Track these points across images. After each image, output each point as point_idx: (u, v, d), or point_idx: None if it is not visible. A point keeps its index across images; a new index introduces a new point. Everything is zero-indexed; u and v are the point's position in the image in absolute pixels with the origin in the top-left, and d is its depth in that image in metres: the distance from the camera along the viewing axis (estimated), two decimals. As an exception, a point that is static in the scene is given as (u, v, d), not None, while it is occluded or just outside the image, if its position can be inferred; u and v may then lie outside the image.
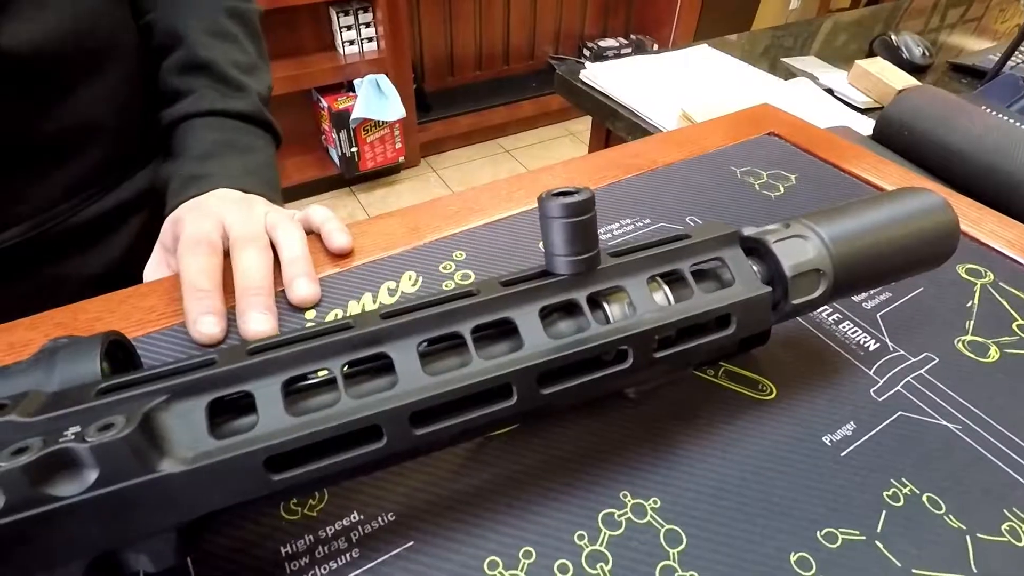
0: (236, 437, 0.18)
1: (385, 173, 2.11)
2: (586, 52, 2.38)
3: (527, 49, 2.38)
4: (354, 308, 0.33)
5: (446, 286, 0.34)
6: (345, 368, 0.20)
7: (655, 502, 0.25)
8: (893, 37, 0.89)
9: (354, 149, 1.91)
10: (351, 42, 1.81)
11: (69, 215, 0.40)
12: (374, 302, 0.33)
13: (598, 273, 0.22)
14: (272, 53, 1.67)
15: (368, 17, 1.81)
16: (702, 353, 0.23)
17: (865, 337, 0.32)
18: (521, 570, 0.22)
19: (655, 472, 0.26)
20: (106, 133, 0.40)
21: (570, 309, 0.22)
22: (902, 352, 0.31)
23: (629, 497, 0.25)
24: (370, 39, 1.84)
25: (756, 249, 0.25)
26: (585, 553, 0.23)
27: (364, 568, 0.22)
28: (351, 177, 2.00)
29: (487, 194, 0.42)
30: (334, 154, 1.95)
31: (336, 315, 0.33)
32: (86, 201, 0.41)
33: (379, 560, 0.23)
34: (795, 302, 0.24)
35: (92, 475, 0.16)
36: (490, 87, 2.30)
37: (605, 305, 0.22)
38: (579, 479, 0.25)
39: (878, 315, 0.33)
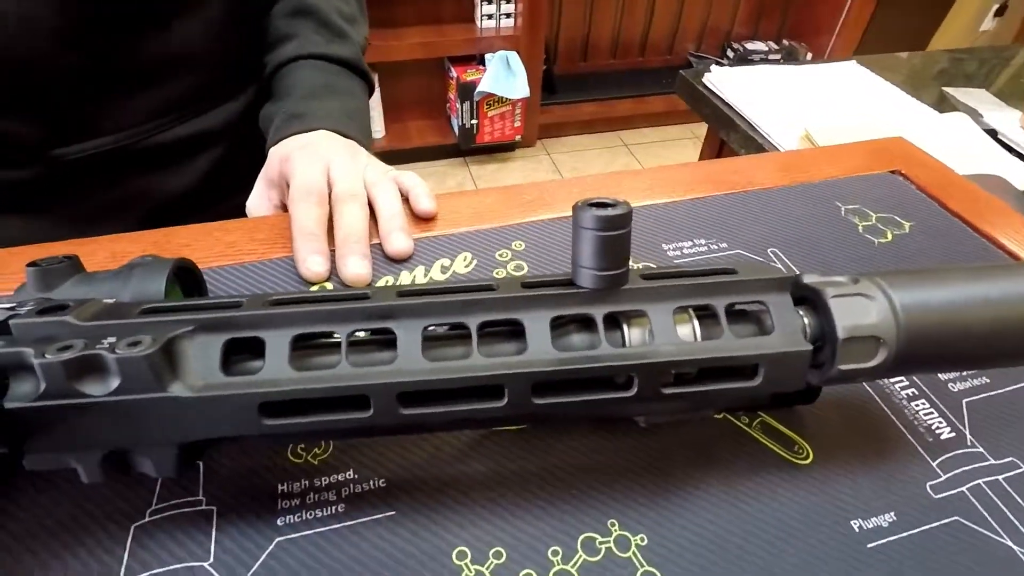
0: (241, 377, 0.19)
1: (500, 149, 2.14)
2: (730, 53, 2.25)
3: (667, 43, 2.29)
4: (405, 278, 0.34)
5: (497, 273, 0.35)
6: (352, 335, 0.20)
7: (642, 539, 0.24)
8: (1090, 83, 0.76)
9: (474, 121, 1.95)
10: (489, 16, 1.84)
11: (152, 135, 0.44)
12: (425, 276, 0.34)
13: (622, 293, 0.21)
14: (411, 19, 1.73)
15: (511, -8, 1.82)
16: (722, 399, 0.21)
17: (940, 422, 0.28)
18: (487, 568, 0.23)
19: (651, 508, 0.24)
20: (195, 65, 0.44)
21: (589, 323, 0.22)
22: (981, 450, 0.27)
23: (616, 527, 0.24)
24: (508, 15, 1.85)
25: (812, 300, 0.22)
26: (554, 570, 0.23)
27: (345, 524, 0.24)
28: (467, 148, 2.04)
29: (563, 189, 0.41)
30: (455, 123, 2.00)
31: (387, 282, 0.34)
32: (169, 124, 0.45)
33: (360, 520, 0.24)
34: (843, 367, 0.21)
35: (115, 382, 0.18)
36: (621, 77, 2.25)
37: (625, 327, 0.21)
38: (570, 495, 0.25)
39: (964, 401, 0.29)
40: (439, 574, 0.22)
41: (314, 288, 0.33)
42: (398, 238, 0.35)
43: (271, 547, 0.23)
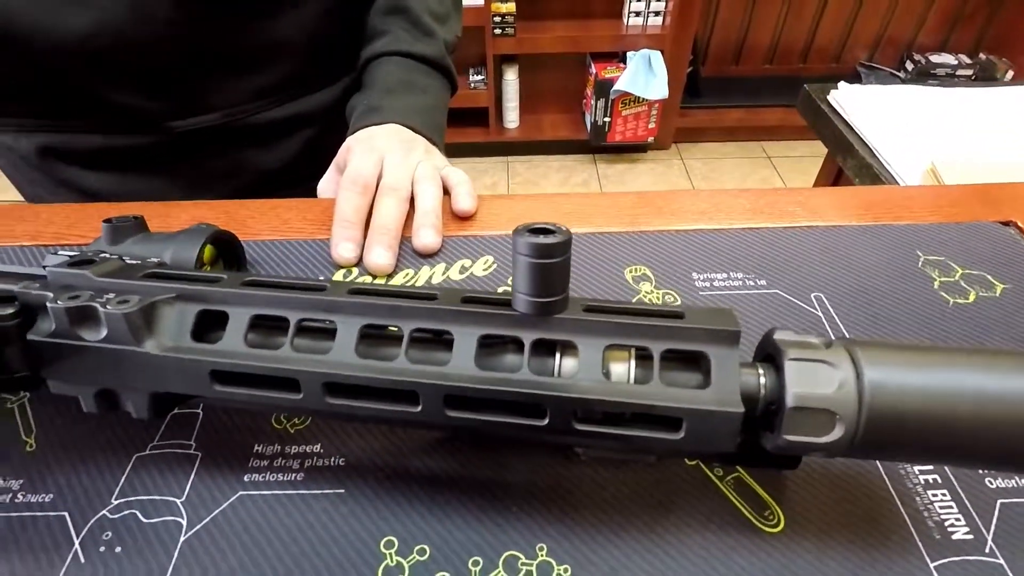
0: (201, 345, 0.22)
1: (631, 149, 2.10)
2: (909, 65, 2.00)
3: (835, 49, 2.09)
4: (425, 274, 0.36)
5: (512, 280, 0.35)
6: (302, 322, 0.22)
7: (566, 569, 0.23)
8: None
9: (607, 119, 1.92)
10: (637, 13, 1.80)
11: (252, 114, 0.50)
12: (443, 274, 0.35)
13: (555, 321, 0.21)
14: (559, 13, 1.75)
15: (662, -10, 1.76)
16: (655, 446, 0.20)
17: (958, 520, 0.24)
18: (408, 561, 0.23)
19: (585, 542, 0.24)
20: (294, 54, 0.49)
21: (522, 346, 0.21)
22: (1001, 562, 0.23)
23: (544, 552, 0.24)
24: (657, 13, 1.80)
25: (774, 359, 0.20)
26: (469, 579, 0.23)
27: (300, 491, 0.26)
28: (597, 145, 2.03)
29: (606, 202, 0.40)
30: (588, 120, 1.99)
31: (407, 274, 0.36)
32: (267, 106, 0.51)
33: (313, 491, 0.26)
34: (789, 437, 0.19)
35: (103, 332, 0.22)
36: (775, 84, 2.09)
37: (558, 356, 0.21)
38: (509, 511, 0.25)
39: (1000, 501, 0.25)
40: (364, 557, 0.24)
41: (341, 271, 0.36)
42: (426, 234, 0.37)
43: (234, 498, 0.26)
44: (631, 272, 0.35)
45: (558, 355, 0.21)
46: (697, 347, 0.20)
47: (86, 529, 0.25)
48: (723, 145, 2.16)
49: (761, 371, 0.20)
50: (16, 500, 0.26)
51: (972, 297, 0.33)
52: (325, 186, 0.46)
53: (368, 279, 0.36)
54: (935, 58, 1.95)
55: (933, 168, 0.54)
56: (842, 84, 0.67)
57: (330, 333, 0.22)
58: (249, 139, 0.51)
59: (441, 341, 0.22)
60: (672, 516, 0.25)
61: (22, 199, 0.57)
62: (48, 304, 0.22)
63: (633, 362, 0.21)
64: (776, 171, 2.04)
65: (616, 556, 0.23)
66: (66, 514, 0.25)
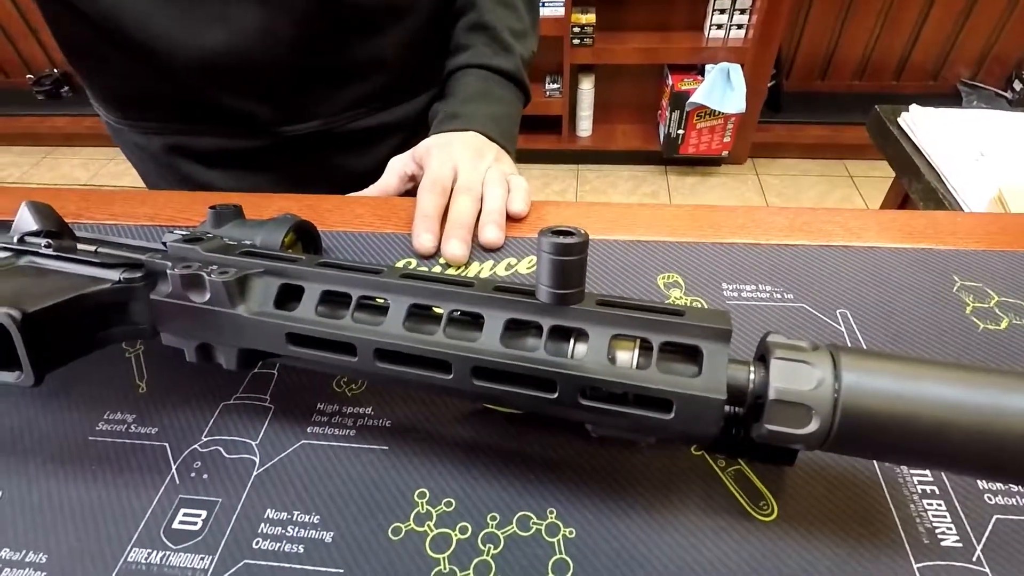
0: (282, 311, 0.27)
1: (704, 163, 2.07)
2: (1017, 84, 1.87)
3: (933, 66, 1.98)
4: (475, 268, 0.40)
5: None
6: (362, 299, 0.26)
7: (571, 532, 0.26)
8: None
9: (680, 131, 1.91)
10: (719, 26, 1.78)
11: (347, 122, 0.56)
12: (491, 270, 0.39)
13: (571, 311, 0.24)
14: (639, 24, 1.77)
15: (746, 3, 1.74)
16: (643, 424, 0.23)
17: (949, 529, 0.26)
18: (436, 511, 0.27)
19: (590, 509, 0.27)
20: (388, 69, 0.55)
21: (542, 331, 0.25)
22: (986, 571, 0.24)
23: (553, 515, 0.27)
24: (740, 27, 1.78)
25: (764, 357, 0.23)
26: (486, 530, 0.26)
27: (352, 445, 0.30)
28: (669, 157, 2.02)
29: (647, 212, 0.43)
30: (661, 131, 1.99)
31: (460, 268, 0.40)
32: (360, 116, 0.57)
33: (362, 446, 0.30)
34: (770, 427, 0.22)
35: (206, 296, 0.27)
36: (863, 101, 1.99)
37: (572, 341, 0.24)
38: (526, 477, 0.28)
39: (995, 516, 0.26)
40: (400, 504, 0.28)
41: (412, 260, 0.41)
42: (490, 230, 0.41)
43: (297, 445, 0.30)
44: (663, 279, 0.38)
45: (572, 340, 0.24)
46: (692, 341, 0.23)
47: (181, 458, 0.30)
48: (802, 162, 2.10)
49: (752, 368, 0.23)
50: (129, 430, 0.32)
51: (1004, 324, 0.33)
52: (394, 164, 0.51)
53: (425, 268, 0.40)
54: (1047, 77, 1.82)
55: (1000, 196, 0.52)
56: (913, 107, 0.66)
57: (383, 309, 0.27)
58: (342, 145, 0.57)
59: (474, 322, 0.25)
60: (672, 496, 0.27)
61: (141, 183, 0.66)
62: (167, 271, 0.28)
63: (637, 351, 0.24)
64: (857, 190, 1.95)
65: (616, 525, 0.26)
66: (166, 444, 0.31)
